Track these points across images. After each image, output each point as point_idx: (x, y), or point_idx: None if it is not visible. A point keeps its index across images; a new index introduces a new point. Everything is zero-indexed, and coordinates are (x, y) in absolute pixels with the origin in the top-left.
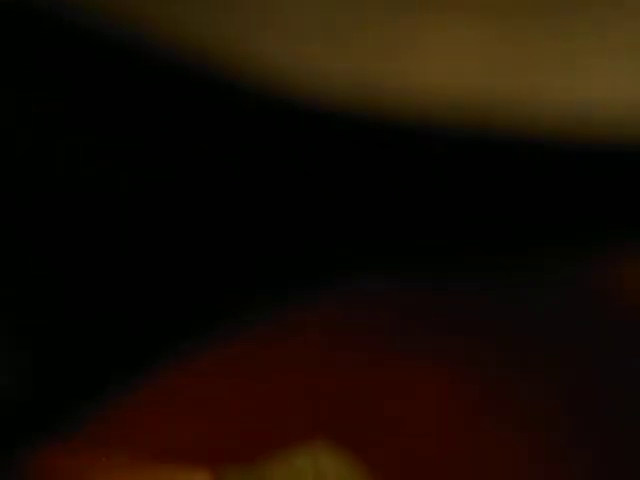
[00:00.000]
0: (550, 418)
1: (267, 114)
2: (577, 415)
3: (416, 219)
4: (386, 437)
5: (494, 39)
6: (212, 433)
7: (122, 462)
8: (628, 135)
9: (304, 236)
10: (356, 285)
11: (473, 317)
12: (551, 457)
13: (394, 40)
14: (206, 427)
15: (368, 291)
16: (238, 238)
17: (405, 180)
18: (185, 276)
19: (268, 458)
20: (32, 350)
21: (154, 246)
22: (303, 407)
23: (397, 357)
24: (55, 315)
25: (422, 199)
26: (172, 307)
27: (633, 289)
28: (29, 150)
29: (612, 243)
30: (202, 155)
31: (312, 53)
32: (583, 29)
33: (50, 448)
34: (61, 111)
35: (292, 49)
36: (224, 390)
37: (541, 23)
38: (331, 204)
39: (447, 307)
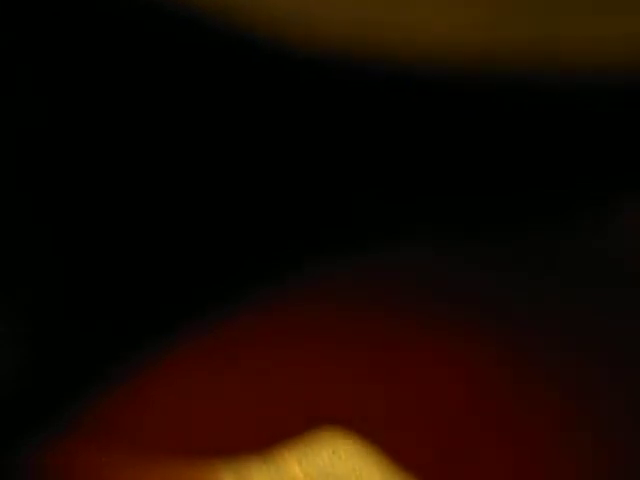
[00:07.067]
0: (581, 411)
1: (266, 65)
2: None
3: (424, 177)
4: (403, 423)
5: None
6: (220, 424)
7: (124, 462)
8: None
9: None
10: (373, 261)
11: (501, 299)
12: (581, 452)
13: None
14: (213, 418)
15: (383, 267)
16: (243, 221)
17: (405, 131)
18: (188, 259)
19: (281, 447)
20: (32, 348)
21: (157, 235)
22: (316, 395)
23: (416, 339)
24: (54, 314)
25: (425, 152)
26: (172, 299)
27: None
28: (27, 137)
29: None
30: (205, 115)
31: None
32: None
33: (50, 448)
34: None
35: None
36: (230, 382)
37: None
38: (332, 165)
39: (469, 284)
